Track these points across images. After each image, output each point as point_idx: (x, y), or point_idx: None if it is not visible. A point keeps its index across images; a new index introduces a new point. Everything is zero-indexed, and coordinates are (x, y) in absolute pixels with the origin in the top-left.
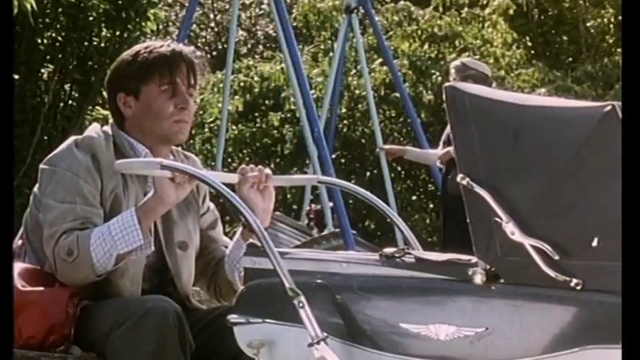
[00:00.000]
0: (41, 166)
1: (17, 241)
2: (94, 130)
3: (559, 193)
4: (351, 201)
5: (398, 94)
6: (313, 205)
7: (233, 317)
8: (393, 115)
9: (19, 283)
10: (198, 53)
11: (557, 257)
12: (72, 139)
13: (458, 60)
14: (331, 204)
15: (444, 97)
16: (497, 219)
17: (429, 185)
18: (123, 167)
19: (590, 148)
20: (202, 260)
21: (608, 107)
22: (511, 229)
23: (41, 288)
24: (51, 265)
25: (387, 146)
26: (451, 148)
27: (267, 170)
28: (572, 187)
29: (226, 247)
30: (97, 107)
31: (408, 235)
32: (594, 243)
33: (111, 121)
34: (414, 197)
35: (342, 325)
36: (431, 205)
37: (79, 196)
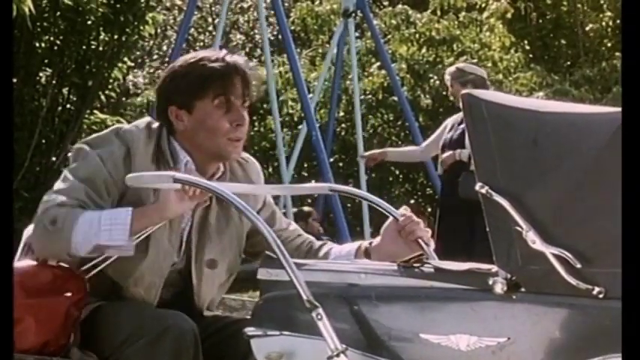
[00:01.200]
0: (77, 145)
1: None
2: (142, 123)
3: (580, 200)
4: (349, 204)
5: (396, 98)
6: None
7: (250, 330)
8: (391, 118)
9: (19, 288)
10: (252, 64)
11: (578, 265)
12: (116, 126)
13: (452, 67)
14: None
15: (460, 105)
16: (518, 227)
17: (427, 189)
18: (134, 181)
19: (610, 154)
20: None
21: None
22: (532, 238)
23: (40, 299)
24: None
25: (366, 153)
26: (457, 152)
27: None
28: (592, 193)
29: (299, 235)
30: (95, 111)
31: (422, 245)
32: (616, 250)
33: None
34: (412, 201)
35: (361, 337)
36: (429, 209)
37: (93, 184)
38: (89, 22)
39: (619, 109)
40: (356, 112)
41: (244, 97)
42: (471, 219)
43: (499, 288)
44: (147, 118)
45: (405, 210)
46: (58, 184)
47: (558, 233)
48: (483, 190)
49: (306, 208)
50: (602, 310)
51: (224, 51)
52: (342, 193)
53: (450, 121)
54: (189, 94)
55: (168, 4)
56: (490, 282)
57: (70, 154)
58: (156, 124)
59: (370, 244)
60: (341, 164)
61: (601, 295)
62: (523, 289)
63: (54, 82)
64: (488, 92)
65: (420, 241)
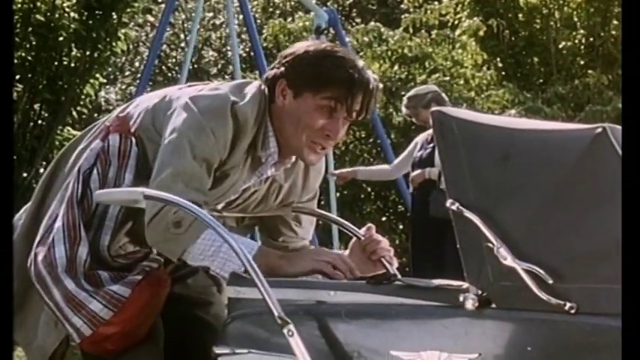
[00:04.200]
0: (184, 102)
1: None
2: (255, 99)
3: (551, 216)
4: (319, 222)
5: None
6: None
7: (218, 348)
8: (363, 135)
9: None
10: (380, 85)
11: (550, 281)
12: (231, 99)
13: (405, 99)
14: None
15: (430, 122)
16: (489, 244)
17: (399, 206)
18: (103, 198)
19: (581, 170)
20: (271, 243)
21: (599, 129)
22: (503, 254)
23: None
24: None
25: (337, 171)
26: (426, 170)
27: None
28: (564, 209)
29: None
30: (67, 127)
31: (385, 264)
32: (588, 265)
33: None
34: (383, 218)
35: (331, 354)
36: (400, 226)
37: (209, 167)
38: (61, 39)
39: (589, 125)
40: None
41: (355, 115)
42: (441, 236)
43: (470, 304)
44: (258, 87)
45: (367, 229)
46: (179, 160)
47: (530, 249)
48: (454, 207)
49: None
50: (574, 325)
51: (362, 62)
52: (305, 213)
53: (419, 139)
54: (306, 82)
55: (140, 21)
56: (461, 298)
57: (172, 110)
58: (263, 99)
59: None
60: None
61: (572, 311)
62: (494, 306)
63: (25, 97)
64: (458, 109)
65: (382, 260)
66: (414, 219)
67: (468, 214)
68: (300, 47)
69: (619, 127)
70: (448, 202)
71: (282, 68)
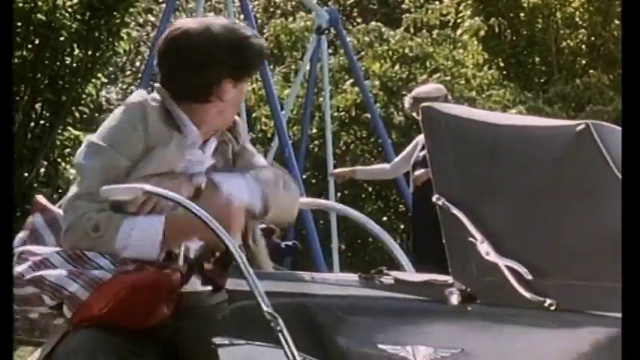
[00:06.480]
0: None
1: None
2: (140, 95)
3: (533, 213)
4: (321, 221)
5: (369, 115)
6: None
7: (217, 339)
8: (364, 135)
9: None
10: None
11: (530, 277)
12: (120, 109)
13: (411, 98)
14: None
15: (420, 117)
16: (472, 239)
17: (400, 206)
18: (107, 193)
19: (563, 167)
20: None
21: (582, 126)
22: (486, 249)
23: None
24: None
25: (336, 171)
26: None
27: None
28: (545, 206)
29: None
30: (69, 127)
31: (401, 258)
32: (566, 262)
33: (158, 85)
34: (384, 218)
35: (320, 347)
36: (402, 226)
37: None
38: (62, 39)
39: (573, 122)
40: (327, 130)
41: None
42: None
43: (454, 299)
44: (142, 91)
45: None
46: (77, 182)
47: (512, 245)
48: (440, 202)
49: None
50: (554, 322)
51: (249, 28)
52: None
53: (421, 139)
54: (239, 68)
55: (141, 21)
56: (446, 293)
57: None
58: (155, 94)
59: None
60: (314, 181)
61: (552, 307)
62: (478, 301)
63: (27, 97)
64: (449, 105)
65: None
66: (415, 218)
67: (453, 209)
68: (207, 37)
69: (605, 124)
70: (434, 197)
71: (218, 68)
